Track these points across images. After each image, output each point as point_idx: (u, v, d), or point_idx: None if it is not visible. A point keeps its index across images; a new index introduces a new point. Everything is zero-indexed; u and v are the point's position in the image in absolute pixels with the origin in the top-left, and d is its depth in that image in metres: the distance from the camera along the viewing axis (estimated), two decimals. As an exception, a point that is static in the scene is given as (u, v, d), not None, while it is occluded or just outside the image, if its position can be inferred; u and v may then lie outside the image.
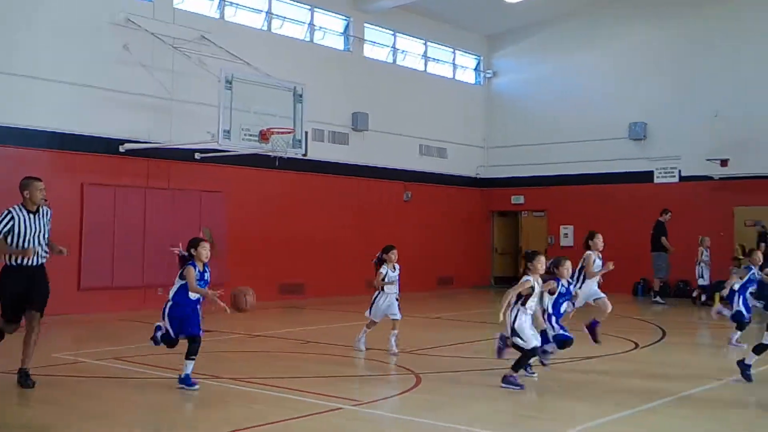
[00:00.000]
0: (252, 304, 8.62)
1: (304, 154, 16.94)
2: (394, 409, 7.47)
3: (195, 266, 8.04)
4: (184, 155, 16.90)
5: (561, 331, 8.84)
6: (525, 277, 8.39)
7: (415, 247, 20.52)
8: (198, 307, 8.14)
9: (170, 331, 8.05)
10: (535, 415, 7.54)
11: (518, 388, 8.19)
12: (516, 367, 8.32)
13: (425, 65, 24.12)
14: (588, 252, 11.05)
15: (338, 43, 21.56)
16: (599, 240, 11.01)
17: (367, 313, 10.74)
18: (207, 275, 8.18)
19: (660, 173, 21.76)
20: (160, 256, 16.53)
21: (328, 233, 20.01)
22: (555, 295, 8.78)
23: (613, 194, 22.30)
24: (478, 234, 24.87)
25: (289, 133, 16.22)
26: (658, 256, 19.73)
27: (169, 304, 8.08)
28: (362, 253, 20.92)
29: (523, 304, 8.33)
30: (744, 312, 11.27)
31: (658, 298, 19.42)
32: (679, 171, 21.27)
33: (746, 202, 20.10)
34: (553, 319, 8.84)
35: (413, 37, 23.62)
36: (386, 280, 10.57)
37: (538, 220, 24.37)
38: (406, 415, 7.27)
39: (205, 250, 8.11)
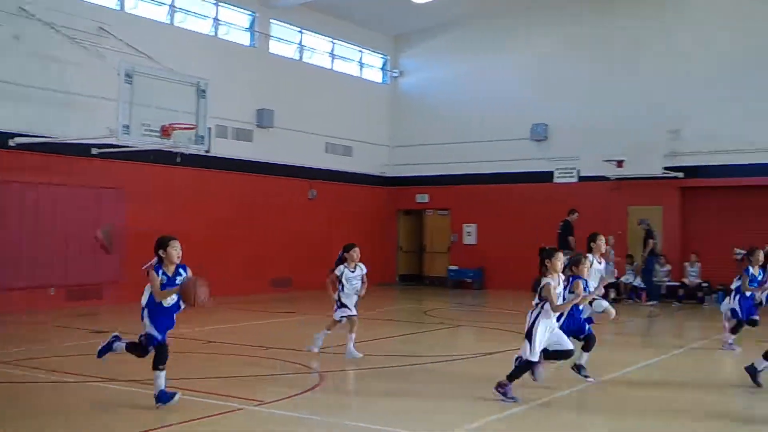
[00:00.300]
0: (203, 301, 7.17)
1: (207, 151, 16.63)
2: (296, 409, 7.41)
3: (159, 270, 7.19)
4: (82, 150, 16.32)
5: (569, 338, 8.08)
6: (545, 279, 7.78)
7: (319, 246, 20.50)
8: (174, 314, 7.34)
9: (155, 335, 7.18)
10: (431, 410, 7.61)
11: (510, 401, 7.55)
12: (512, 376, 7.74)
13: (332, 63, 24.09)
14: (588, 255, 10.12)
15: (243, 39, 21.28)
16: (602, 242, 10.04)
17: (337, 316, 10.26)
18: (183, 278, 7.27)
19: (560, 173, 22.38)
20: (55, 254, 16.01)
21: (230, 231, 19.73)
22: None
23: (515, 193, 22.84)
24: (383, 232, 25.00)
25: (192, 128, 15.88)
26: (567, 255, 20.26)
27: (145, 311, 7.27)
28: (264, 252, 20.85)
29: (542, 307, 7.72)
30: (738, 311, 11.05)
31: None
32: (578, 171, 21.93)
33: (639, 201, 20.93)
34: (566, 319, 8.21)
35: (320, 34, 23.54)
36: (343, 281, 10.10)
37: (442, 218, 24.71)
38: (308, 414, 7.23)
39: (176, 251, 7.28)
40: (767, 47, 19.45)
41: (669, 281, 20.16)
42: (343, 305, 10.21)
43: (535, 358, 7.64)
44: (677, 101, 20.29)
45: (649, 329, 15.87)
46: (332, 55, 24.04)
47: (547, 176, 22.48)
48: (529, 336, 7.67)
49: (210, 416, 6.89)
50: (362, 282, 10.29)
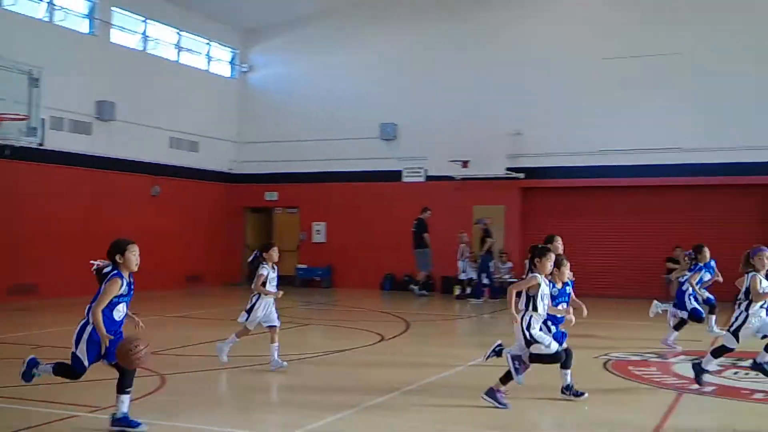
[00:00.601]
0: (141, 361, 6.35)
1: (41, 144, 15.68)
2: (134, 413, 7.02)
3: (122, 277, 6.42)
4: None
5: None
6: (531, 274, 7.47)
7: (162, 244, 19.75)
8: (122, 329, 6.62)
9: (85, 358, 6.39)
10: (276, 411, 7.45)
11: (502, 407, 7.27)
12: (505, 379, 7.38)
13: (178, 55, 23.30)
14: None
15: (82, 26, 20.15)
16: (559, 244, 9.77)
17: (242, 319, 9.34)
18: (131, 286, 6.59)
19: (408, 173, 22.74)
20: None
21: (66, 230, 18.64)
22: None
23: (364, 192, 22.95)
24: (229, 230, 24.45)
25: (23, 119, 14.90)
26: (422, 253, 20.67)
27: (90, 326, 6.39)
28: (104, 251, 19.83)
29: (535, 309, 7.39)
30: (699, 309, 11.41)
31: (424, 291, 20.59)
32: (426, 171, 22.35)
33: (483, 201, 21.58)
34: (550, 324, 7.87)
35: (166, 25, 22.69)
36: (268, 283, 9.26)
37: (291, 216, 24.47)
38: (147, 418, 6.87)
39: (135, 256, 6.50)
40: (602, 53, 20.45)
41: (510, 278, 20.88)
42: (250, 310, 9.27)
43: (558, 347, 7.42)
44: (519, 104, 21.08)
45: (488, 325, 16.36)
46: (178, 47, 23.25)
47: (395, 175, 22.77)
48: (533, 341, 7.35)
49: (39, 425, 6.41)
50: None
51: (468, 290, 20.01)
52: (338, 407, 7.27)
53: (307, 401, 7.73)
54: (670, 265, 19.16)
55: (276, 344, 9.16)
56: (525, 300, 7.42)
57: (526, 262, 7.99)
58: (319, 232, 23.73)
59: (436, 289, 21.39)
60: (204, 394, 7.96)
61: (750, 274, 8.13)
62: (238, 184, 24.65)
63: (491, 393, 7.35)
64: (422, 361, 10.28)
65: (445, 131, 21.25)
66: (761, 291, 8.00)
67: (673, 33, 19.95)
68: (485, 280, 19.96)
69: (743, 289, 8.18)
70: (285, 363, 9.13)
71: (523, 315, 7.39)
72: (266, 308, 9.29)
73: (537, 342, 7.34)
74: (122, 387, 6.36)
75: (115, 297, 6.42)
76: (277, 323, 9.30)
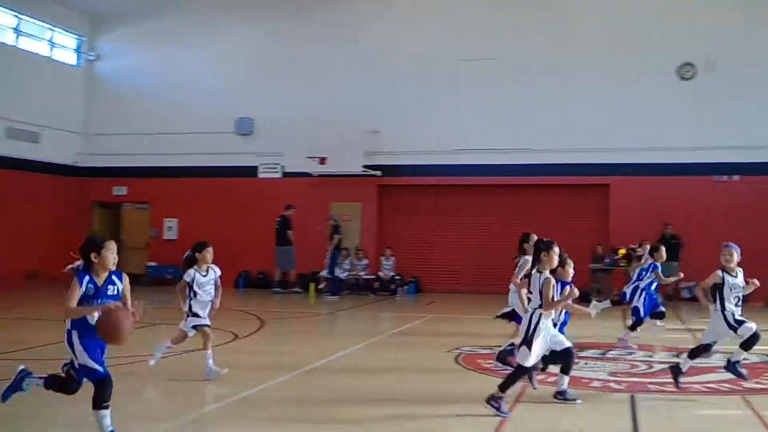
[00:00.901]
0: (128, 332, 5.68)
1: None
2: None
3: (85, 277, 5.71)
4: None
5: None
6: (543, 276, 7.12)
7: None
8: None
9: (95, 368, 5.63)
10: (119, 415, 7.04)
11: (504, 415, 6.86)
12: (504, 386, 7.01)
13: (17, 40, 21.85)
14: (525, 257, 9.09)
15: None
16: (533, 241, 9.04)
17: (186, 327, 8.62)
18: (118, 287, 5.84)
19: (264, 168, 22.38)
20: None
21: None
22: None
23: (219, 187, 22.37)
24: (75, 227, 23.12)
25: None
26: (285, 251, 20.33)
27: (74, 334, 5.68)
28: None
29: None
30: (641, 309, 11.02)
31: (296, 288, 20.39)
32: (283, 167, 22.08)
33: (340, 198, 21.56)
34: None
35: (3, 7, 21.21)
36: (195, 287, 8.56)
37: (141, 212, 23.51)
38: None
39: (112, 254, 5.81)
40: (460, 54, 20.85)
41: (366, 275, 21.02)
42: (194, 314, 8.59)
43: (531, 364, 7.07)
44: (377, 102, 21.20)
45: (343, 321, 16.35)
46: (18, 31, 21.81)
47: (252, 171, 22.36)
48: (528, 343, 7.05)
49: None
50: (216, 287, 8.77)
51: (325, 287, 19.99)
52: (189, 407, 6.97)
53: (149, 403, 7.38)
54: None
55: (209, 351, 8.46)
56: (539, 297, 7.13)
57: (518, 260, 8.20)
58: (170, 228, 22.93)
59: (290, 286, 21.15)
60: (42, 399, 7.42)
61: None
62: (85, 178, 23.43)
63: (493, 400, 6.99)
64: (276, 361, 10.09)
65: (302, 127, 21.05)
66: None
67: (526, 35, 20.63)
68: (337, 275, 19.93)
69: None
70: (223, 370, 8.40)
71: (533, 312, 7.14)
72: (201, 310, 8.63)
73: (527, 347, 7.03)
74: (100, 401, 5.61)
75: (89, 299, 5.71)
76: (207, 321, 8.65)
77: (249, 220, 21.36)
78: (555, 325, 7.31)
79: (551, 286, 7.11)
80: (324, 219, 20.61)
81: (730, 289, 7.91)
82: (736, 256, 7.99)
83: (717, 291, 7.98)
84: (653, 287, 11.13)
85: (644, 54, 19.76)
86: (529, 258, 8.54)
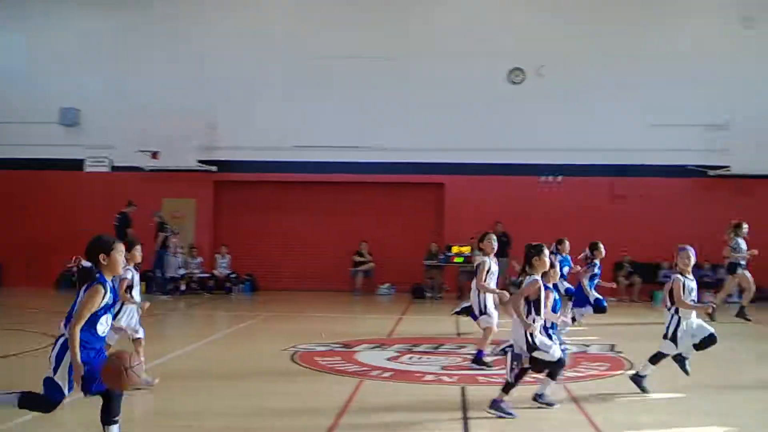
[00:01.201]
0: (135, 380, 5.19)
1: None
2: None
3: (105, 283, 5.22)
4: None
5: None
6: (531, 277, 7.03)
7: None
8: (104, 348, 5.44)
9: (65, 385, 5.10)
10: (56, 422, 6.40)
11: (509, 416, 6.82)
12: (507, 389, 6.94)
13: None
14: (484, 258, 9.31)
15: None
16: (494, 241, 9.33)
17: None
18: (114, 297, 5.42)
19: (91, 162, 21.22)
20: None
21: None
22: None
23: (41, 182, 20.90)
24: None
25: None
26: None
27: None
28: None
29: (537, 312, 6.97)
30: (602, 298, 11.25)
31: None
32: (111, 161, 21.04)
33: (174, 194, 20.75)
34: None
35: None
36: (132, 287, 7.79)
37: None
38: None
39: (122, 257, 5.38)
40: (304, 49, 20.46)
41: (201, 273, 20.41)
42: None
43: (560, 353, 7.07)
44: (214, 97, 20.52)
45: (182, 321, 15.84)
46: None
47: (77, 164, 21.12)
48: (535, 346, 6.92)
49: None
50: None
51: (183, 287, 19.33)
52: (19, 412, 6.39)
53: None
54: (357, 258, 20.03)
55: (141, 359, 7.66)
56: (527, 306, 7.03)
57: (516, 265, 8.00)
58: (-16, 225, 21.20)
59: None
60: None
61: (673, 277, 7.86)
62: None
63: (495, 404, 6.92)
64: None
65: (134, 120, 20.08)
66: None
67: (364, 37, 20.68)
68: (168, 274, 19.21)
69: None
70: (154, 380, 7.83)
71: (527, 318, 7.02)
72: (130, 317, 7.89)
73: (539, 349, 6.98)
74: (110, 416, 5.27)
75: (107, 309, 5.32)
76: (140, 333, 7.96)
77: (73, 217, 20.04)
78: (546, 328, 7.24)
79: (538, 287, 7.02)
80: (149, 215, 19.65)
81: (689, 293, 7.76)
82: (693, 258, 7.87)
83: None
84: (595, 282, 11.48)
85: (477, 59, 20.33)
86: (487, 259, 9.25)
